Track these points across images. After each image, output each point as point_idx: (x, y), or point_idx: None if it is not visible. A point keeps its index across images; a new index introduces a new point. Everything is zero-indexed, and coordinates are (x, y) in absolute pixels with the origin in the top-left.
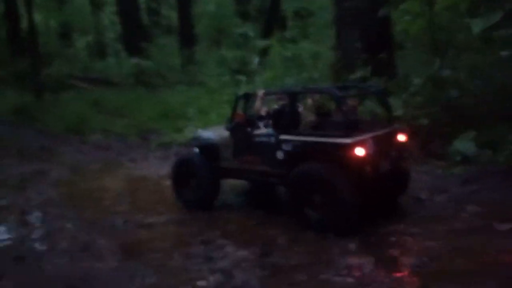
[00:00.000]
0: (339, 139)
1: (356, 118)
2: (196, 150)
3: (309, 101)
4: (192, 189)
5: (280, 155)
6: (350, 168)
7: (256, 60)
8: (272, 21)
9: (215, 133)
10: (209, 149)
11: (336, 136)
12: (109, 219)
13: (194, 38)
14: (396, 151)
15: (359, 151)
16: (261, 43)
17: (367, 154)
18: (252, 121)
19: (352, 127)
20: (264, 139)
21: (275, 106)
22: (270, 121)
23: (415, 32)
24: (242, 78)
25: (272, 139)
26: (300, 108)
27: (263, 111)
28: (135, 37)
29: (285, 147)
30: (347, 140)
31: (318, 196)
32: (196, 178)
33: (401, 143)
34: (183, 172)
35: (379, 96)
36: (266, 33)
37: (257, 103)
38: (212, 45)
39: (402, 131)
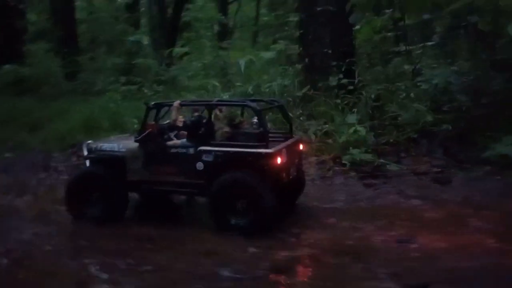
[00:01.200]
0: (261, 149)
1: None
2: (89, 163)
3: (218, 112)
4: (97, 205)
5: (199, 165)
6: (269, 175)
7: (243, 63)
8: (176, 30)
9: (119, 144)
10: (113, 161)
11: (257, 147)
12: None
13: (77, 45)
14: (298, 159)
15: (278, 160)
16: (178, 50)
17: (284, 162)
18: (163, 131)
19: (268, 138)
20: (181, 150)
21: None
22: (182, 132)
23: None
24: (214, 82)
25: (191, 150)
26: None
27: (179, 122)
28: (7, 40)
29: (206, 157)
30: (269, 150)
31: (241, 202)
32: (101, 193)
33: (301, 152)
34: (82, 189)
35: (282, 109)
36: (170, 42)
37: (174, 114)
38: (97, 52)
39: (301, 141)
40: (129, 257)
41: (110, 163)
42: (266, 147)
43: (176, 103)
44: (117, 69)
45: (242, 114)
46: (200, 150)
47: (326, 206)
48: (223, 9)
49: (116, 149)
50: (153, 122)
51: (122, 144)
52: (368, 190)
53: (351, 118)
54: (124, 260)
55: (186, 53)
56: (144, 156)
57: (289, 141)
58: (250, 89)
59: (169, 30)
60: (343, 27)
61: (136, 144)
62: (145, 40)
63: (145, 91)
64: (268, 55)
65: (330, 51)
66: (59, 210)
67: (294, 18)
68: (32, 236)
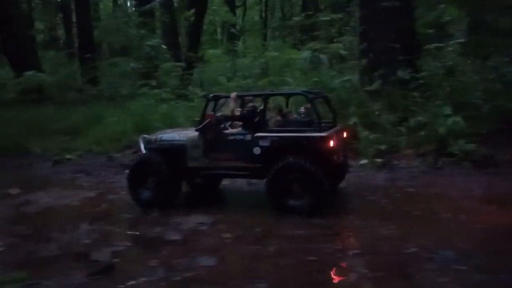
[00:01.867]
0: (316, 133)
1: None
2: (147, 152)
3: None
4: (151, 189)
5: (257, 150)
6: (322, 158)
7: (325, 59)
8: (199, 33)
9: (180, 134)
10: (174, 150)
11: (312, 131)
12: None
13: (95, 51)
14: (344, 145)
15: (332, 143)
16: (213, 52)
17: (335, 145)
18: (220, 121)
19: (321, 124)
20: (239, 137)
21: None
22: (235, 122)
23: None
24: (287, 78)
25: (248, 137)
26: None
27: (237, 112)
28: (20, 49)
29: (263, 143)
30: (323, 134)
31: (298, 185)
32: (156, 178)
33: (346, 139)
34: (141, 173)
35: (326, 100)
36: (193, 45)
37: (232, 105)
38: (113, 58)
39: (346, 129)
40: (323, 242)
41: (169, 152)
42: (320, 132)
43: (233, 94)
44: (137, 73)
45: (287, 104)
46: (257, 136)
47: (469, 194)
48: (232, 13)
49: (177, 138)
50: (212, 113)
51: (183, 134)
52: (494, 178)
53: (447, 110)
54: (324, 244)
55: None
56: (204, 144)
57: (337, 128)
58: (336, 82)
59: (193, 34)
60: (407, 22)
61: (196, 134)
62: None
63: (197, 92)
64: (305, 54)
65: (397, 46)
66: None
67: (324, 18)
68: (201, 225)
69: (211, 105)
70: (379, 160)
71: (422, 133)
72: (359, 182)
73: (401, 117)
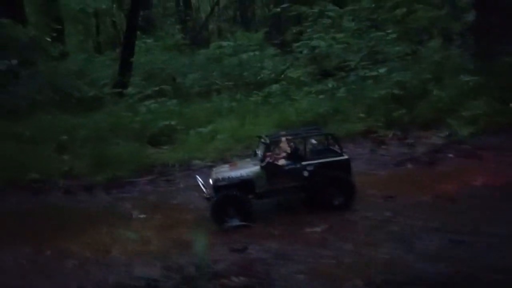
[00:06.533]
0: (342, 157)
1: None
2: (213, 189)
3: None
4: (237, 216)
5: (305, 173)
6: (346, 170)
7: None
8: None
9: (245, 171)
10: (244, 183)
11: (338, 156)
12: None
13: None
14: None
15: (350, 161)
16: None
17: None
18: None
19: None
20: (292, 166)
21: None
22: (276, 156)
23: None
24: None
25: (298, 166)
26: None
27: (287, 149)
28: None
29: (309, 168)
30: (346, 157)
31: (333, 189)
32: (239, 207)
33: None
34: (221, 207)
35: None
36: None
37: (284, 146)
38: None
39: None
40: None
41: (243, 184)
42: (342, 156)
43: (284, 139)
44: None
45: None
46: (304, 164)
47: None
48: None
49: (244, 174)
50: (270, 153)
51: (246, 170)
52: None
53: None
54: None
55: None
56: (267, 175)
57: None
58: None
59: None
60: None
61: (257, 168)
62: None
63: None
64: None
65: None
66: None
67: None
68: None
69: (266, 147)
70: None
71: None
72: None
73: None
